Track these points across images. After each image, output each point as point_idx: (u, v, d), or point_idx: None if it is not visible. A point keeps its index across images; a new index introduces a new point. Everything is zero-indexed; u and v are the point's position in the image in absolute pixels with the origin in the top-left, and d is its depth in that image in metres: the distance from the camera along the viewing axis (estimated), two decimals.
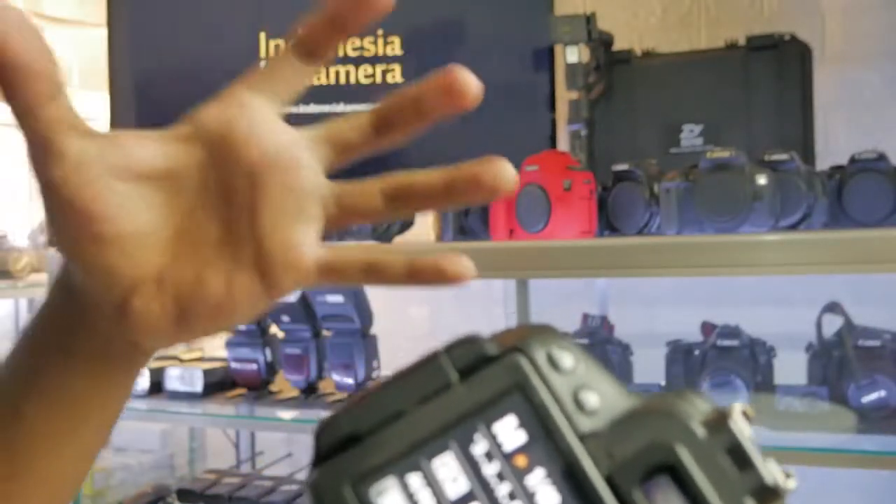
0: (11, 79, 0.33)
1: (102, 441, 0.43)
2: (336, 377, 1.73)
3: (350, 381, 1.71)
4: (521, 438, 0.22)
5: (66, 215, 0.35)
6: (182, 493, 1.91)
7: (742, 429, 0.22)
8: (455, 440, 0.22)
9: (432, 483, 0.21)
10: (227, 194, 0.37)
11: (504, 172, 0.37)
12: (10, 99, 0.34)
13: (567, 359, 0.23)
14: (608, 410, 0.22)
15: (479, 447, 0.22)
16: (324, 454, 0.23)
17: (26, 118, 0.35)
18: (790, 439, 1.37)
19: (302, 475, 2.02)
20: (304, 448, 2.28)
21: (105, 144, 0.36)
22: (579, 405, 0.22)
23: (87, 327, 0.39)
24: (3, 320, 2.68)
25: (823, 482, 1.76)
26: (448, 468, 0.22)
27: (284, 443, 2.33)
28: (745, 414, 0.22)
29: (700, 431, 0.21)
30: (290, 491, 1.86)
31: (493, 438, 0.22)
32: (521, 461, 0.22)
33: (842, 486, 1.78)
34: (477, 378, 0.23)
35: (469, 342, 0.23)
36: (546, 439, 0.22)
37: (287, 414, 1.74)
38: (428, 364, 0.24)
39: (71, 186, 0.35)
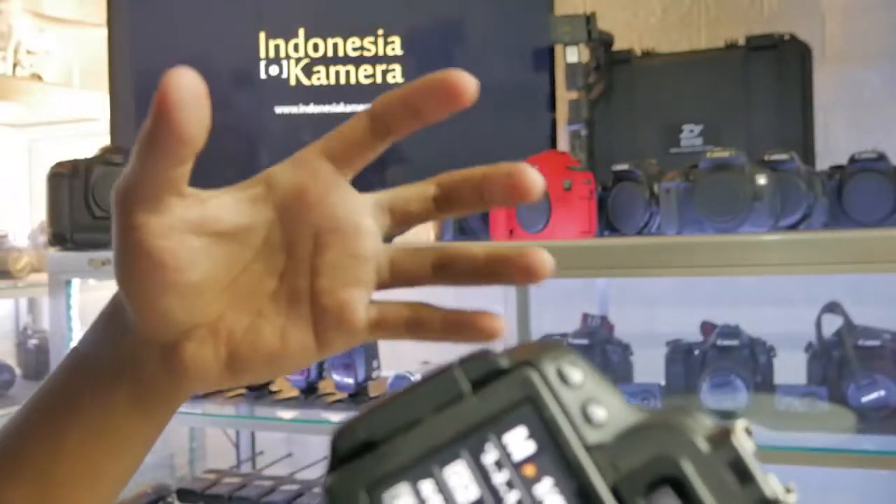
0: (166, 142, 0.33)
1: (133, 472, 0.43)
2: (336, 377, 1.73)
3: (350, 381, 1.71)
4: (531, 449, 0.23)
5: (138, 260, 0.36)
6: (182, 493, 1.91)
7: (744, 444, 0.22)
8: (467, 449, 0.23)
9: (444, 490, 0.22)
10: (290, 252, 0.39)
11: (543, 262, 0.38)
12: (149, 150, 0.34)
13: (576, 374, 0.23)
14: (615, 424, 0.23)
15: (490, 456, 0.23)
16: (340, 459, 0.23)
17: (149, 165, 0.35)
18: (790, 439, 1.37)
19: (302, 475, 2.02)
20: (304, 448, 2.28)
21: (190, 202, 0.37)
22: (587, 418, 0.23)
23: (133, 366, 0.39)
24: (3, 320, 2.68)
25: (823, 482, 1.76)
26: (459, 476, 0.22)
27: (284, 443, 2.33)
28: (747, 430, 0.23)
29: (703, 446, 0.22)
30: (290, 491, 1.86)
31: (503, 448, 0.23)
32: (529, 471, 0.22)
33: (841, 486, 1.78)
34: (489, 390, 0.23)
35: (482, 356, 0.24)
36: (555, 450, 0.22)
37: (287, 414, 1.74)
38: (442, 375, 0.24)
39: (152, 237, 0.36)
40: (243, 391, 1.82)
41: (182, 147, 0.33)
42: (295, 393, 1.79)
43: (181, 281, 0.36)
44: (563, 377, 0.23)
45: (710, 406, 1.42)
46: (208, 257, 0.37)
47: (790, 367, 1.53)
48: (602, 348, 1.64)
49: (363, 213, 0.40)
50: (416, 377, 1.29)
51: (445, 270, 0.41)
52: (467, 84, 0.37)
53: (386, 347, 1.83)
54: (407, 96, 0.38)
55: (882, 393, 1.37)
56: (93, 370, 0.41)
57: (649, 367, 1.62)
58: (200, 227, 0.37)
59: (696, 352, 1.55)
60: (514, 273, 0.39)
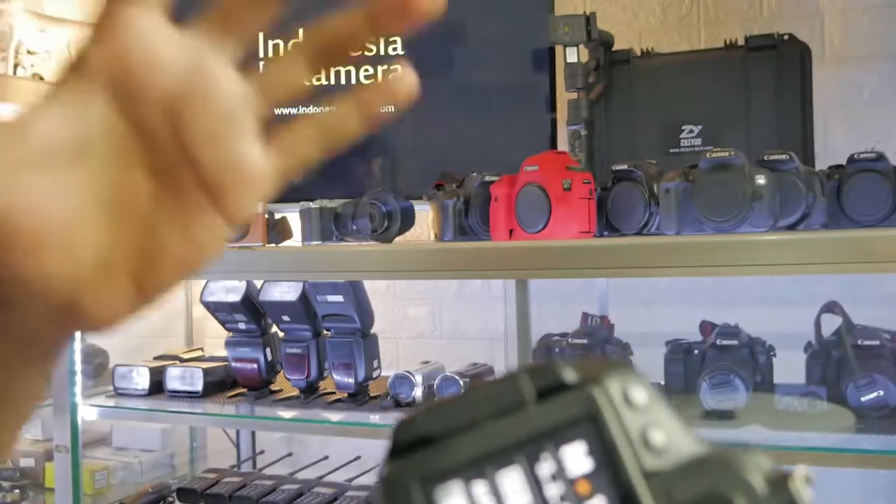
0: None
1: (26, 421, 0.37)
2: (336, 377, 1.73)
3: (350, 380, 1.71)
4: (588, 466, 0.23)
5: None
6: (182, 493, 1.91)
7: (802, 491, 0.22)
8: (523, 456, 0.23)
9: (495, 493, 0.23)
10: (146, 139, 0.32)
11: None
12: None
13: (641, 396, 0.23)
14: (674, 452, 0.23)
15: (545, 467, 0.23)
16: (397, 450, 0.24)
17: None
18: (789, 439, 1.37)
19: (302, 475, 2.02)
20: (304, 448, 2.28)
21: (13, 137, 0.31)
22: (647, 443, 0.23)
23: (15, 333, 0.33)
24: None
25: (822, 482, 1.76)
26: (512, 482, 0.23)
27: (284, 442, 2.33)
28: (807, 479, 0.23)
29: (760, 487, 0.22)
30: (290, 491, 1.86)
31: (559, 461, 0.23)
32: (583, 487, 0.22)
33: (841, 486, 1.78)
34: (552, 402, 0.24)
35: (550, 367, 0.24)
36: (611, 470, 0.22)
37: (287, 414, 1.74)
38: (507, 381, 0.24)
39: None
40: (243, 391, 1.83)
41: None
42: (295, 393, 1.79)
43: (46, 239, 0.30)
44: (627, 398, 0.23)
45: (710, 406, 1.42)
46: (63, 194, 0.31)
47: (789, 367, 1.54)
48: (602, 348, 1.64)
49: (201, 52, 0.33)
50: (418, 377, 1.30)
51: (324, 58, 0.35)
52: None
53: (386, 348, 1.83)
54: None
55: (881, 392, 1.37)
56: None
57: (649, 367, 1.62)
58: (37, 160, 0.30)
59: (696, 351, 1.56)
60: (403, 11, 0.34)
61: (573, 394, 0.23)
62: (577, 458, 0.23)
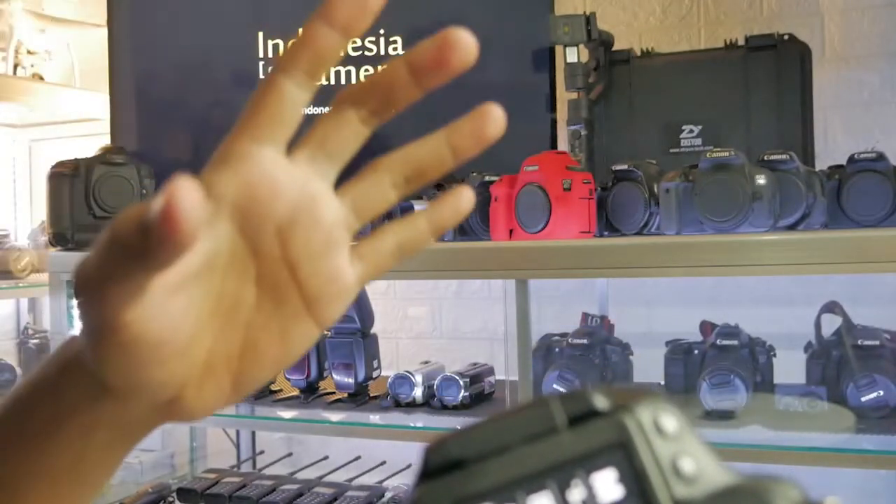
0: (164, 251, 0.29)
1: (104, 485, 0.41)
2: (336, 377, 1.73)
3: (350, 380, 1.71)
4: (618, 493, 0.23)
5: (121, 348, 0.33)
6: (182, 493, 1.91)
7: None
8: (554, 482, 0.23)
9: None
10: (257, 254, 0.36)
11: (496, 113, 0.38)
12: (138, 252, 0.30)
13: (672, 425, 0.24)
14: (704, 481, 0.23)
15: (576, 493, 0.23)
16: (429, 473, 0.24)
17: (134, 266, 0.31)
18: (789, 439, 1.37)
19: (302, 475, 2.02)
20: (304, 448, 2.28)
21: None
22: (677, 471, 0.23)
23: (115, 418, 0.37)
24: (5, 320, 2.68)
25: (822, 482, 1.76)
26: None
27: (284, 443, 2.33)
28: None
29: None
30: (290, 491, 1.86)
31: (590, 488, 0.23)
32: None
33: (841, 486, 1.78)
34: (584, 428, 0.24)
35: (581, 394, 0.25)
36: (642, 498, 0.23)
37: (287, 414, 1.74)
38: (540, 407, 0.25)
39: (137, 325, 0.32)
40: None
41: (180, 254, 0.30)
42: (295, 393, 1.79)
43: (172, 351, 0.34)
44: (658, 426, 0.23)
45: (710, 406, 1.42)
46: (190, 308, 0.34)
47: (789, 367, 1.54)
48: (602, 348, 1.64)
49: (309, 179, 0.37)
50: (418, 377, 1.30)
51: (411, 181, 0.39)
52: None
53: (386, 348, 1.83)
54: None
55: (881, 392, 1.37)
56: (56, 416, 0.37)
57: (649, 367, 1.62)
58: (177, 284, 0.33)
59: (696, 351, 1.56)
60: (481, 133, 0.38)
61: (604, 421, 0.24)
62: (607, 484, 0.23)
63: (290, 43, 0.38)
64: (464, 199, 0.40)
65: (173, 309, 0.33)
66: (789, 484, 0.23)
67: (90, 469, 0.39)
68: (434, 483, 0.23)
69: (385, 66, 0.37)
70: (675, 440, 0.23)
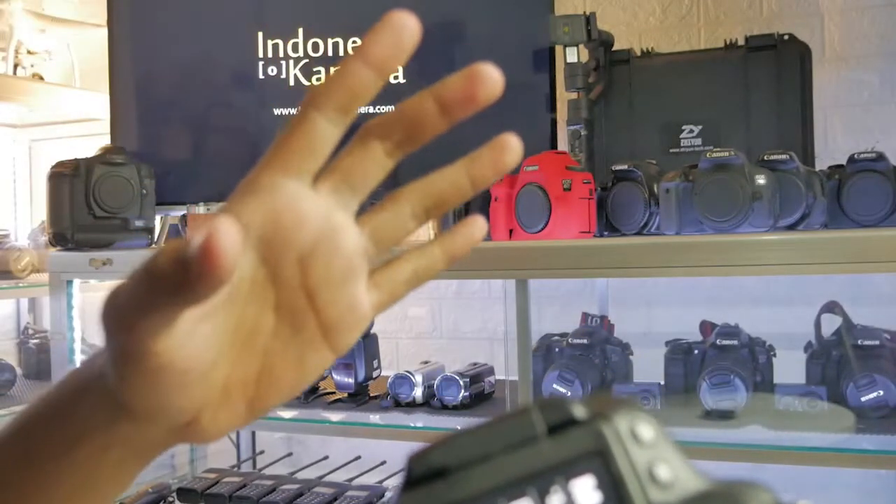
0: (201, 289, 0.30)
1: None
2: (336, 377, 1.73)
3: (350, 380, 1.71)
4: (596, 499, 0.24)
5: (148, 376, 0.33)
6: (182, 493, 1.91)
7: None
8: (534, 489, 0.24)
9: None
10: (277, 282, 0.37)
11: (514, 143, 0.39)
12: (173, 289, 0.30)
13: (648, 433, 0.24)
14: (679, 487, 0.24)
15: (556, 499, 0.24)
16: (412, 481, 0.25)
17: (167, 301, 0.31)
18: (789, 439, 1.37)
19: (302, 475, 2.02)
20: (304, 448, 2.28)
21: None
22: (653, 477, 0.24)
23: (132, 441, 0.37)
24: (5, 320, 2.68)
25: (822, 482, 1.76)
26: None
27: (284, 442, 2.33)
28: None
29: None
30: (290, 491, 1.86)
31: (569, 494, 0.24)
32: None
33: (841, 486, 1.78)
34: (563, 437, 0.25)
35: (560, 403, 0.25)
36: (619, 503, 0.23)
37: (287, 414, 1.74)
38: (520, 416, 0.25)
39: (166, 355, 0.33)
40: None
41: (217, 290, 0.30)
42: None
43: (195, 377, 0.35)
44: (635, 434, 0.24)
45: (710, 406, 1.42)
46: (214, 336, 0.35)
47: (789, 367, 1.54)
48: (602, 348, 1.64)
49: (330, 210, 0.38)
50: (418, 377, 1.30)
51: (430, 211, 0.40)
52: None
53: (386, 348, 1.83)
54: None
55: (881, 392, 1.37)
56: (72, 436, 0.37)
57: (649, 367, 1.63)
58: (206, 313, 0.34)
59: (696, 351, 1.56)
60: (497, 162, 0.39)
61: (583, 429, 0.24)
62: (586, 491, 0.24)
63: (324, 78, 0.38)
64: (477, 228, 0.41)
65: (199, 337, 0.34)
66: (761, 488, 0.23)
67: (101, 487, 0.39)
68: (417, 491, 0.24)
69: (412, 99, 0.38)
70: (651, 447, 0.24)
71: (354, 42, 1.95)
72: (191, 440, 0.38)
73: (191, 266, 0.29)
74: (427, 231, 1.70)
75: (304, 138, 0.36)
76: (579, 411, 0.25)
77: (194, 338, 0.34)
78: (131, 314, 0.32)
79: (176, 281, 0.30)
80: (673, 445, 0.24)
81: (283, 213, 0.36)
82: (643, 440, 0.24)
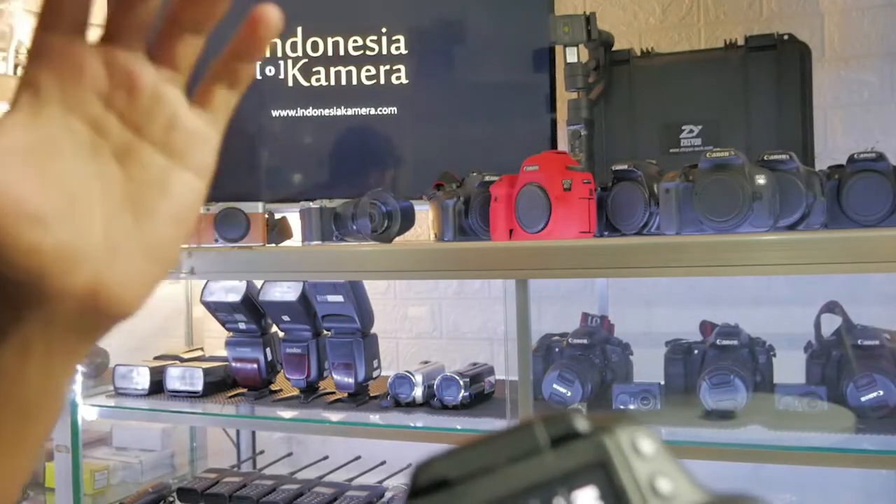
0: None
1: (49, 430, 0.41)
2: (336, 377, 1.73)
3: (350, 380, 1.71)
4: None
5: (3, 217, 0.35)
6: (182, 493, 1.91)
7: None
8: (537, 499, 0.24)
9: None
10: (100, 131, 0.39)
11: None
12: None
13: (648, 446, 0.25)
14: (680, 500, 0.24)
15: None
16: (417, 492, 0.25)
17: None
18: (789, 439, 1.37)
19: (302, 475, 2.02)
20: (304, 448, 2.28)
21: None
22: (654, 490, 0.24)
23: (44, 324, 0.37)
24: None
25: (822, 482, 1.76)
26: None
27: (284, 442, 2.33)
28: None
29: None
30: (290, 490, 1.86)
31: None
32: None
33: (841, 486, 1.78)
34: (566, 449, 0.25)
35: (563, 416, 0.26)
36: None
37: (287, 414, 1.74)
38: (523, 429, 0.26)
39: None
40: (243, 391, 1.83)
41: None
42: (295, 393, 1.79)
43: (48, 217, 0.35)
44: (636, 448, 0.25)
45: (710, 406, 1.42)
46: (49, 180, 0.36)
47: (789, 367, 1.54)
48: (602, 348, 1.64)
49: (120, 56, 0.40)
50: (418, 377, 1.30)
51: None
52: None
53: (386, 348, 1.83)
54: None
55: (881, 392, 1.37)
56: None
57: (649, 367, 1.63)
58: (22, 150, 0.36)
59: (696, 351, 1.56)
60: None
61: (585, 442, 0.25)
62: (588, 502, 0.24)
63: None
64: (262, 21, 0.43)
65: (20, 175, 0.35)
66: (760, 501, 0.24)
67: (33, 399, 0.38)
68: (421, 502, 0.24)
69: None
70: (652, 461, 0.25)
71: (355, 41, 1.95)
72: (109, 308, 0.37)
73: None
74: (427, 230, 1.70)
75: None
76: (582, 424, 0.25)
77: (22, 175, 0.35)
78: None
79: None
80: (673, 459, 0.25)
81: (70, 65, 0.38)
82: (644, 453, 0.25)
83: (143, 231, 0.39)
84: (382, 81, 1.93)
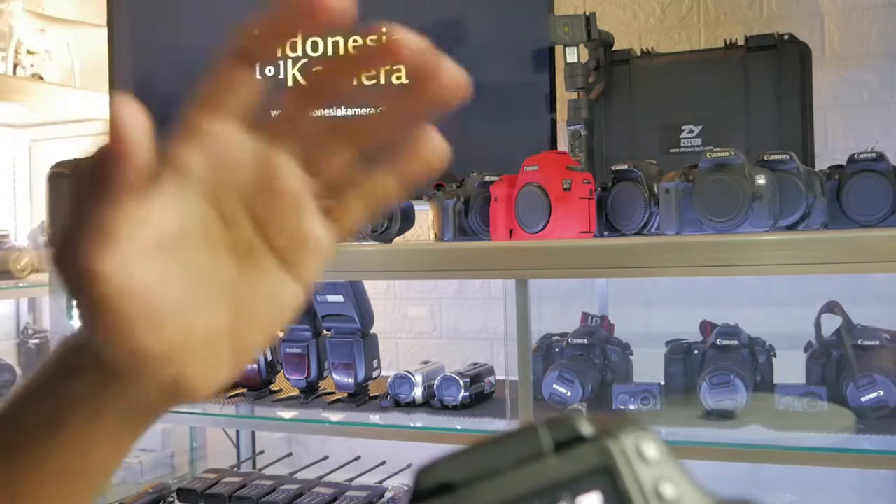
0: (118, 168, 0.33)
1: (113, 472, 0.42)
2: (336, 377, 1.73)
3: (350, 380, 1.71)
4: None
5: (109, 304, 0.33)
6: (182, 493, 1.91)
7: None
8: None
9: None
10: (227, 222, 0.38)
11: (457, 73, 0.40)
12: (98, 181, 0.33)
13: (653, 452, 0.25)
14: None
15: None
16: (420, 496, 0.25)
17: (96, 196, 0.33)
18: (789, 439, 1.37)
19: (302, 475, 2.02)
20: (304, 448, 2.28)
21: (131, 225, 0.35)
22: (659, 495, 0.24)
23: (121, 398, 0.37)
24: (4, 320, 2.68)
25: (822, 482, 1.76)
26: None
27: (284, 442, 2.33)
28: None
29: None
30: (290, 491, 1.86)
31: None
32: None
33: (841, 486, 1.78)
34: (570, 453, 0.25)
35: (568, 420, 0.26)
36: None
37: (287, 414, 1.74)
38: (527, 432, 0.26)
39: (119, 280, 0.33)
40: (243, 391, 1.83)
41: (133, 166, 0.32)
42: (295, 393, 1.79)
43: (160, 314, 0.35)
44: (640, 453, 0.25)
45: (710, 406, 1.42)
46: (171, 274, 0.35)
47: (789, 367, 1.54)
48: (602, 348, 1.64)
49: (266, 148, 0.39)
50: (418, 377, 1.30)
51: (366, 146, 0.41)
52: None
53: (386, 348, 1.83)
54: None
55: (881, 393, 1.37)
56: (60, 409, 0.37)
57: (649, 367, 1.63)
58: (151, 242, 0.35)
59: (696, 351, 1.56)
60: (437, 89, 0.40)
61: (590, 446, 0.25)
62: None
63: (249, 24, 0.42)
64: (436, 149, 0.41)
65: (152, 269, 0.34)
66: None
67: (96, 461, 0.39)
68: None
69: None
70: (656, 466, 0.24)
71: (354, 41, 1.95)
72: (183, 398, 0.37)
73: (106, 152, 0.31)
74: (427, 230, 1.70)
75: (236, 83, 0.39)
76: (586, 428, 0.25)
77: (145, 268, 0.34)
78: (70, 239, 0.33)
79: (96, 172, 0.32)
80: (677, 464, 0.25)
81: (219, 157, 0.37)
82: (649, 458, 0.24)
83: (238, 334, 0.38)
84: (383, 82, 1.93)
